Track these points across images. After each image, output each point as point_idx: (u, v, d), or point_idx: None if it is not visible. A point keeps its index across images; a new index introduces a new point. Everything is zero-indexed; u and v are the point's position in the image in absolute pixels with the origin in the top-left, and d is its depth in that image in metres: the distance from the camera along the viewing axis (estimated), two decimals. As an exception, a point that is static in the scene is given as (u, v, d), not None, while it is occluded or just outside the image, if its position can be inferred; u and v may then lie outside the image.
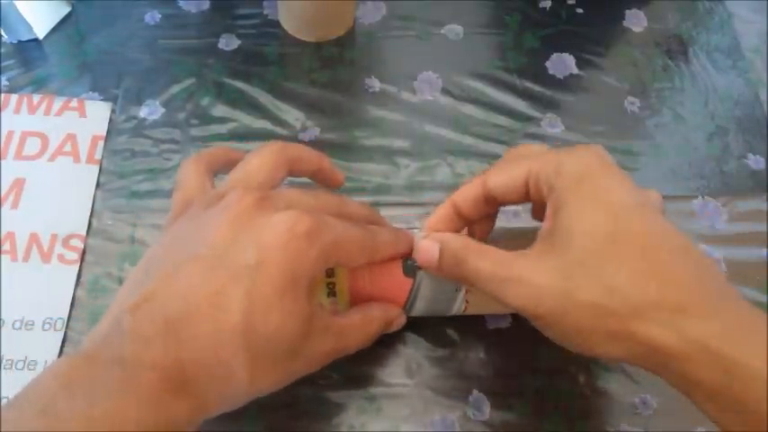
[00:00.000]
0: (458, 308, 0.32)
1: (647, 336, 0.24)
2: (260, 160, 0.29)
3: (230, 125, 0.42)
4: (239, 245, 0.24)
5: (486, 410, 0.33)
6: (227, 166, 0.31)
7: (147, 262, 0.26)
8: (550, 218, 0.27)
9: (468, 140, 0.42)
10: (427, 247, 0.30)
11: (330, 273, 0.30)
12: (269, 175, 0.28)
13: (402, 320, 0.32)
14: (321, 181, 0.32)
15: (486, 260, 0.27)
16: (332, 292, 0.30)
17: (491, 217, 0.33)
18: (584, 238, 0.25)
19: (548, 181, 0.27)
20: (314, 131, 0.42)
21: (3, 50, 0.43)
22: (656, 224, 0.26)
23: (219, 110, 0.42)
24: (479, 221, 0.32)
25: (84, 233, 0.37)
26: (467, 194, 0.30)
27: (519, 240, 0.29)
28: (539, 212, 0.33)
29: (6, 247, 0.36)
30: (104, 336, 0.23)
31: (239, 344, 0.23)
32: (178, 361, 0.22)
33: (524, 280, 0.26)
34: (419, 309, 0.32)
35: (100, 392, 0.21)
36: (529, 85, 0.44)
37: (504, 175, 0.29)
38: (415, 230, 0.33)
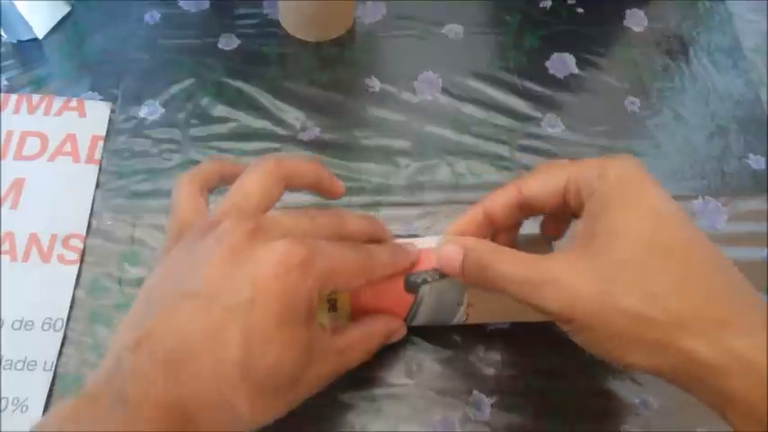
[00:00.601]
0: (458, 319, 0.33)
1: (688, 348, 0.23)
2: (254, 181, 0.28)
3: (230, 125, 0.42)
4: (234, 281, 0.24)
5: (487, 411, 0.33)
6: (221, 182, 0.31)
7: (146, 294, 0.26)
8: (589, 221, 0.26)
9: (468, 140, 0.42)
10: (450, 252, 0.29)
11: None
12: (264, 197, 0.28)
13: (403, 331, 0.33)
14: (320, 192, 0.31)
15: (515, 264, 0.27)
16: (333, 307, 0.31)
17: (516, 227, 0.32)
18: (628, 243, 0.25)
19: (589, 184, 0.27)
20: (314, 131, 0.42)
21: (2, 50, 0.43)
22: (695, 237, 0.25)
23: (219, 110, 0.42)
24: (504, 231, 0.32)
25: (83, 233, 0.37)
26: (500, 200, 0.30)
27: (529, 247, 0.30)
28: (549, 226, 0.33)
29: (6, 247, 0.36)
30: (107, 375, 0.23)
31: (239, 378, 0.23)
32: (180, 398, 0.22)
33: (560, 283, 0.25)
34: (420, 321, 0.33)
35: None
36: (529, 84, 0.44)
37: (542, 181, 0.29)
38: (418, 239, 0.33)
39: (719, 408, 0.24)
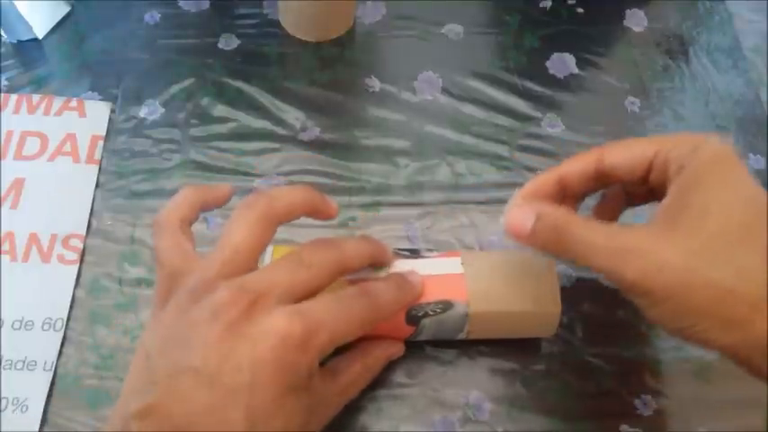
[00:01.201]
0: (458, 338, 0.33)
1: (753, 327, 0.23)
2: (243, 233, 0.27)
3: (230, 125, 0.42)
4: (232, 361, 0.24)
5: (487, 410, 0.33)
6: (203, 209, 0.31)
7: (145, 357, 0.25)
8: (678, 195, 0.26)
9: (468, 140, 0.42)
10: (519, 216, 0.28)
11: None
12: (255, 248, 0.27)
13: (401, 351, 0.33)
14: (315, 217, 0.30)
15: (595, 230, 0.26)
16: None
17: (583, 197, 0.32)
18: (720, 219, 0.25)
19: (680, 159, 0.27)
20: (314, 131, 0.42)
21: (2, 50, 0.43)
22: None
23: (219, 110, 0.42)
24: (572, 200, 0.31)
25: (83, 233, 0.37)
26: (579, 166, 0.29)
27: None
28: (603, 212, 0.33)
29: (6, 247, 0.36)
30: None
31: None
32: None
33: (644, 251, 0.25)
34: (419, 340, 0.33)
35: None
36: (529, 84, 0.44)
37: (628, 151, 0.28)
38: (420, 260, 0.32)
39: None
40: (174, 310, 0.26)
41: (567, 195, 0.30)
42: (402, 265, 0.32)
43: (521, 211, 0.28)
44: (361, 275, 0.31)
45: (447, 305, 0.31)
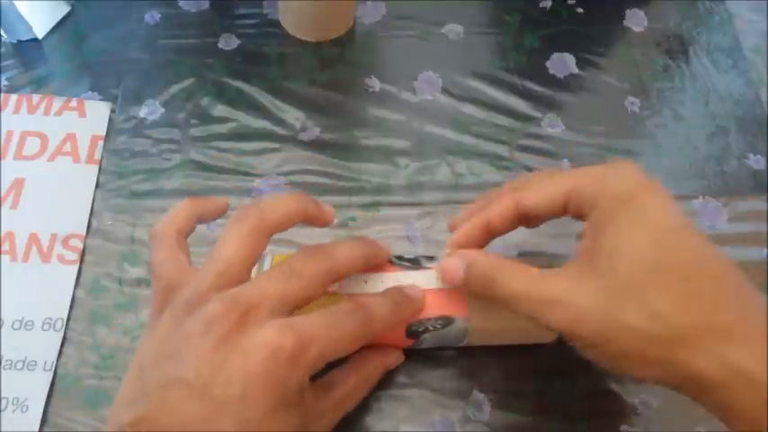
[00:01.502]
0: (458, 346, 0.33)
1: (690, 363, 0.24)
2: (235, 245, 0.27)
3: (230, 125, 0.42)
4: (224, 373, 0.24)
5: (487, 410, 0.33)
6: (199, 221, 0.31)
7: (138, 369, 0.25)
8: (591, 237, 0.27)
9: (468, 140, 0.42)
10: (452, 266, 0.29)
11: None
12: (247, 260, 0.27)
13: (400, 359, 0.33)
14: (310, 224, 0.30)
15: (519, 280, 0.27)
16: None
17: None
18: (630, 261, 0.25)
19: (591, 198, 0.27)
20: (314, 131, 0.42)
21: (2, 50, 0.43)
22: (699, 248, 0.26)
23: (219, 110, 0.42)
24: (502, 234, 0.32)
25: (83, 233, 0.37)
26: (497, 212, 0.30)
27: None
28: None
29: (6, 247, 0.36)
30: None
31: None
32: None
33: (565, 301, 0.26)
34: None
35: None
36: (529, 84, 0.44)
37: (540, 195, 0.29)
38: (420, 272, 0.32)
39: (725, 420, 0.24)
40: (169, 322, 0.26)
41: (497, 234, 0.31)
42: (402, 278, 0.31)
43: (452, 261, 0.29)
44: (358, 290, 0.31)
45: (447, 321, 0.31)
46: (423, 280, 0.31)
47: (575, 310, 0.25)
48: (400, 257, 0.33)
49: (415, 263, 0.32)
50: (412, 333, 0.31)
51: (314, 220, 0.30)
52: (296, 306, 0.26)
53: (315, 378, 0.27)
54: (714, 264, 0.25)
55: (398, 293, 0.30)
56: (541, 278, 0.27)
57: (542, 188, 0.29)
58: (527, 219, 0.30)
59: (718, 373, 0.23)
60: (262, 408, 0.24)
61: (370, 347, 0.31)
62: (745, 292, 0.25)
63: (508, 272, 0.28)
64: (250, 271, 0.27)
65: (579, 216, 0.28)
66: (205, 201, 0.32)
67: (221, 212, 0.32)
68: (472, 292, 0.29)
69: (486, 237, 0.31)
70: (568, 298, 0.25)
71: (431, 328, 0.31)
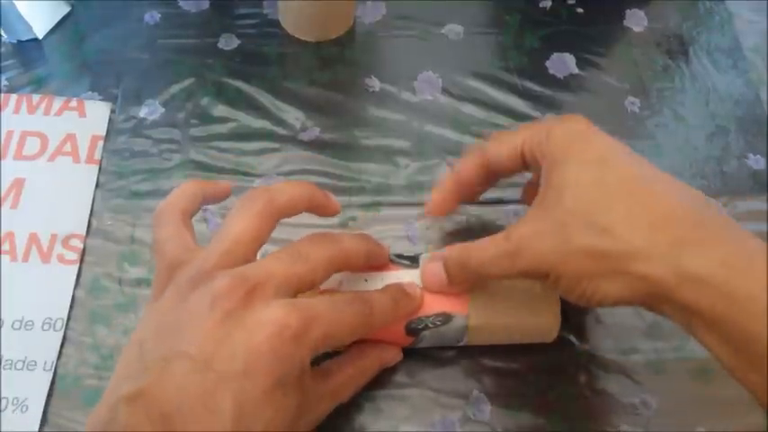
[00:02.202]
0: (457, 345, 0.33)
1: (642, 272, 0.24)
2: (244, 225, 0.27)
3: (230, 125, 0.42)
4: (227, 348, 0.24)
5: (487, 410, 0.33)
6: (204, 203, 0.31)
7: (138, 343, 0.25)
8: (543, 183, 0.28)
9: (468, 140, 0.42)
10: (431, 271, 0.30)
11: None
12: (255, 240, 0.27)
13: (398, 357, 0.33)
14: (317, 213, 0.31)
15: (488, 248, 0.28)
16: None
17: (484, 187, 0.35)
18: (574, 188, 0.26)
19: (540, 147, 0.28)
20: (314, 131, 0.42)
21: (2, 50, 0.43)
22: (644, 166, 0.27)
23: (219, 110, 0.42)
24: (474, 192, 0.34)
25: (83, 233, 0.37)
26: (470, 165, 0.32)
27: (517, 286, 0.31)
28: (530, 194, 0.33)
29: (6, 247, 0.36)
30: (103, 425, 0.23)
31: None
32: None
33: (525, 247, 0.27)
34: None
35: None
36: (529, 84, 0.44)
37: (500, 146, 0.30)
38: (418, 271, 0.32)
39: (687, 324, 0.25)
40: (173, 298, 0.26)
41: (469, 191, 0.33)
42: (402, 276, 0.32)
43: (430, 268, 0.31)
44: (358, 287, 0.31)
45: (447, 318, 0.31)
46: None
47: (536, 250, 0.26)
48: (400, 255, 0.33)
49: (414, 261, 0.33)
50: (411, 330, 0.31)
51: (321, 208, 0.30)
52: (299, 289, 0.27)
53: (313, 366, 0.27)
54: (661, 177, 0.26)
55: (398, 290, 0.30)
56: (505, 237, 0.28)
57: (503, 141, 0.30)
58: (494, 173, 0.31)
59: (672, 278, 0.24)
60: (262, 385, 0.24)
61: (368, 343, 0.31)
62: (696, 199, 0.26)
63: (478, 246, 0.29)
64: (256, 252, 0.27)
65: (535, 166, 0.29)
66: (209, 182, 0.32)
67: (225, 195, 0.32)
68: (461, 285, 0.30)
69: (459, 192, 0.32)
70: (527, 243, 0.27)
71: (430, 325, 0.31)
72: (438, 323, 0.31)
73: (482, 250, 0.29)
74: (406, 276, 0.31)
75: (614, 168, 0.26)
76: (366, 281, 0.31)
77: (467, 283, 0.30)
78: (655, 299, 0.25)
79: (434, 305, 0.31)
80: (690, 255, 0.24)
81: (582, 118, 0.29)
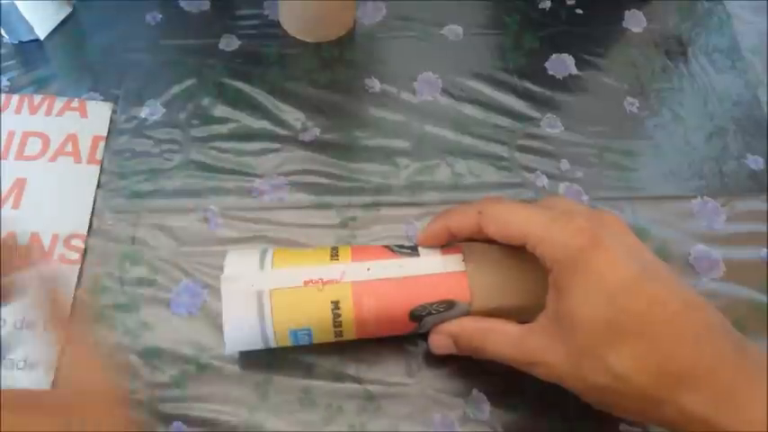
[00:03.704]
0: None
1: (657, 413, 0.26)
2: None
3: (231, 125, 0.42)
4: None
5: (487, 410, 0.33)
6: None
7: None
8: (553, 297, 0.28)
9: (468, 140, 0.42)
10: (441, 343, 0.32)
11: (336, 306, 0.31)
12: None
13: None
14: None
15: (504, 344, 0.30)
16: (337, 324, 0.31)
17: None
18: (585, 326, 0.26)
19: (547, 257, 0.28)
20: (314, 132, 0.42)
21: (4, 51, 0.43)
22: (653, 294, 0.26)
23: (220, 110, 0.42)
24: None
25: (85, 233, 0.37)
26: (459, 224, 0.32)
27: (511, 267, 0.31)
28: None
29: (8, 246, 0.36)
30: None
31: None
32: None
33: (543, 363, 0.28)
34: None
35: None
36: (529, 85, 0.44)
37: (503, 231, 0.30)
38: (417, 260, 0.32)
39: None
40: None
41: (456, 239, 0.33)
42: (403, 263, 0.32)
43: (440, 338, 0.32)
44: (361, 277, 0.31)
45: (449, 304, 0.31)
46: (424, 265, 0.32)
47: (553, 370, 0.28)
48: (401, 246, 0.33)
49: (414, 250, 0.33)
50: (415, 317, 0.31)
51: None
52: None
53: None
54: (668, 309, 0.26)
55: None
56: (521, 340, 0.29)
57: (504, 225, 0.30)
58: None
59: (679, 419, 0.25)
60: None
61: (375, 333, 0.32)
62: (702, 327, 0.26)
63: (492, 338, 0.30)
64: None
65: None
66: None
67: None
68: (466, 355, 0.32)
69: (448, 238, 0.32)
70: (545, 359, 0.28)
71: (433, 312, 0.31)
72: (441, 309, 0.31)
73: (497, 345, 0.30)
74: (408, 264, 0.32)
75: (624, 302, 0.26)
76: (369, 269, 0.31)
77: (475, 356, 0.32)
78: (673, 430, 0.27)
79: (437, 292, 0.31)
80: (688, 395, 0.25)
81: (579, 225, 0.28)
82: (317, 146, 0.41)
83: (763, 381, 0.25)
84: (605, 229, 0.28)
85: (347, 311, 0.31)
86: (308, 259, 0.32)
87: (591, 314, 0.26)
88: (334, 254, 0.32)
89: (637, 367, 0.26)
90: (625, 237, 0.29)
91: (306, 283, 0.31)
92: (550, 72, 0.45)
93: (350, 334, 0.32)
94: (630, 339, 0.26)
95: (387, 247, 0.33)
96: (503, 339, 0.30)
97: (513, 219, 0.29)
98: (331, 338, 0.32)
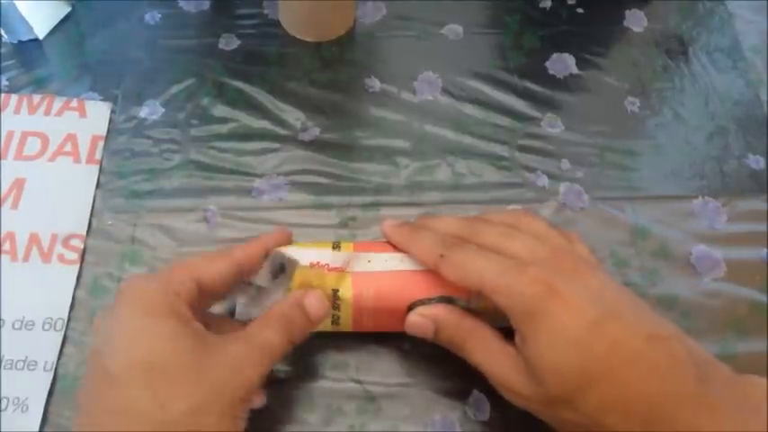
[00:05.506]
0: None
1: None
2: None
3: (230, 125, 0.42)
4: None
5: (487, 410, 0.33)
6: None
7: None
8: (519, 342, 0.28)
9: (468, 140, 0.42)
10: (421, 327, 0.31)
11: (336, 306, 0.31)
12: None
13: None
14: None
15: (482, 353, 0.30)
16: (336, 307, 0.31)
17: None
18: (554, 373, 0.27)
19: (501, 307, 0.28)
20: (314, 131, 0.42)
21: (3, 50, 0.43)
22: (614, 336, 0.26)
23: (219, 110, 0.42)
24: None
25: (84, 233, 0.37)
26: (421, 257, 0.31)
27: None
28: None
29: (6, 247, 0.36)
30: None
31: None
32: None
33: (516, 393, 0.29)
34: None
35: None
36: (529, 84, 0.44)
37: (458, 282, 0.30)
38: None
39: None
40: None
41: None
42: (407, 258, 0.32)
43: (421, 321, 0.31)
44: (362, 268, 0.31)
45: (448, 300, 0.31)
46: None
47: (527, 403, 0.28)
48: None
49: None
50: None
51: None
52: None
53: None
54: (630, 348, 0.26)
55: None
56: (499, 359, 0.29)
57: (459, 276, 0.29)
58: None
59: None
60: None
61: (371, 330, 0.32)
62: (664, 366, 0.26)
63: (471, 343, 0.30)
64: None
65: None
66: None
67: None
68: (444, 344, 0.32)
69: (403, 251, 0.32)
70: (519, 390, 0.28)
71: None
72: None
73: (474, 351, 0.30)
74: (407, 259, 0.32)
75: (585, 347, 0.26)
76: (369, 261, 0.32)
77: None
78: None
79: (436, 288, 0.31)
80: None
81: (533, 276, 0.27)
82: (316, 146, 0.41)
83: (727, 410, 0.25)
84: (560, 275, 0.28)
85: (346, 300, 0.31)
86: (312, 248, 0.32)
87: (557, 361, 0.27)
88: (336, 245, 0.33)
89: (606, 409, 0.26)
90: (582, 276, 0.28)
91: (312, 265, 0.31)
92: (551, 71, 0.45)
93: (347, 324, 0.32)
94: (597, 383, 0.26)
95: (388, 242, 0.33)
96: (481, 346, 0.30)
97: (470, 267, 0.29)
98: (328, 327, 0.32)
